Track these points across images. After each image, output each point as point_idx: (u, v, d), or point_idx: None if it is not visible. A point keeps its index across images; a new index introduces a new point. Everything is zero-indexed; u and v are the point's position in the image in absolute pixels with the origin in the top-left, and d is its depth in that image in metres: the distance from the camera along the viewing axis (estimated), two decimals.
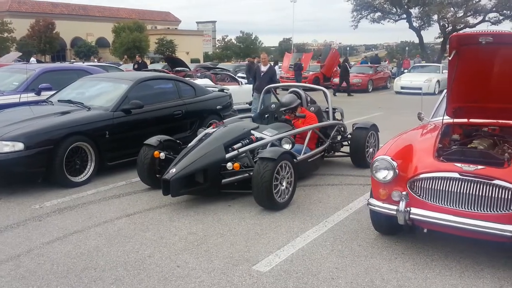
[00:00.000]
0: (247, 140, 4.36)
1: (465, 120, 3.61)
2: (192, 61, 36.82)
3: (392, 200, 2.96)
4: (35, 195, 4.36)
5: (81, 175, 4.70)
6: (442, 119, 3.52)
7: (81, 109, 5.05)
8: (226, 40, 62.81)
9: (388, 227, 3.26)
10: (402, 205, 2.87)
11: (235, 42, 59.80)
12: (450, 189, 2.78)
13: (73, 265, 2.88)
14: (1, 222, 3.66)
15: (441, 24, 28.37)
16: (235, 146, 4.22)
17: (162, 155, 4.34)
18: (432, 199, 2.85)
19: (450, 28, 27.71)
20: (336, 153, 5.55)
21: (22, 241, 3.26)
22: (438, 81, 16.09)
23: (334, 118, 5.58)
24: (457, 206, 2.77)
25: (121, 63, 21.77)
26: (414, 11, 28.48)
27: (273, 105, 5.69)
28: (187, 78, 8.12)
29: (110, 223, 3.63)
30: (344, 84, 16.55)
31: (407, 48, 66.32)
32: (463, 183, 2.75)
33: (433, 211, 2.81)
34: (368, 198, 3.21)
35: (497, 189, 2.68)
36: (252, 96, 9.51)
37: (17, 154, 4.20)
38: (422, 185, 2.89)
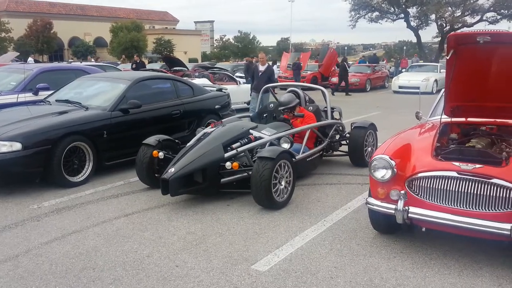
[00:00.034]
0: (246, 140, 4.36)
1: (463, 119, 3.62)
2: (190, 60, 36.78)
3: (391, 199, 2.97)
4: (33, 195, 4.34)
5: (79, 175, 4.68)
6: (440, 118, 3.52)
7: (79, 109, 5.03)
8: (224, 39, 62.79)
9: (386, 226, 3.26)
10: (400, 204, 2.87)
11: (233, 42, 59.78)
12: (448, 188, 2.79)
13: (72, 265, 2.87)
14: None
15: (439, 23, 28.46)
16: (233, 146, 4.22)
17: (161, 154, 4.33)
18: (430, 198, 2.86)
19: (448, 27, 27.81)
20: (335, 152, 5.56)
21: (20, 241, 3.24)
22: (436, 80, 16.13)
23: (332, 118, 5.57)
24: (455, 205, 2.77)
25: (119, 62, 21.71)
26: (412, 10, 28.60)
27: (272, 105, 5.69)
28: (185, 78, 8.10)
29: (109, 223, 3.62)
30: (342, 83, 16.56)
31: (405, 47, 66.40)
32: (461, 182, 2.76)
33: (432, 210, 2.82)
34: (366, 197, 3.21)
35: (495, 187, 2.68)
36: (250, 95, 9.51)
37: (15, 154, 4.18)
38: (420, 184, 2.89)
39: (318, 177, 5.02)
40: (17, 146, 4.20)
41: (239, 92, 10.70)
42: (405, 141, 3.31)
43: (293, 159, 4.14)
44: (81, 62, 17.16)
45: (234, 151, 4.14)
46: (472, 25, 27.28)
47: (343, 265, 2.88)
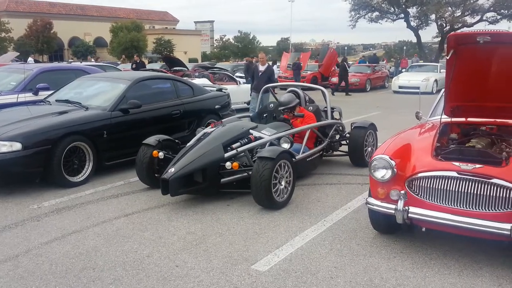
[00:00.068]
0: (246, 140, 4.35)
1: (463, 119, 3.61)
2: (190, 60, 36.76)
3: (391, 199, 2.96)
4: (33, 195, 4.34)
5: (79, 175, 4.68)
6: (440, 118, 3.51)
7: (79, 109, 5.02)
8: (224, 39, 62.76)
9: (386, 226, 3.26)
10: (400, 204, 2.86)
11: (233, 42, 59.75)
12: (448, 188, 2.78)
13: (72, 265, 2.87)
14: None
15: (439, 23, 28.41)
16: (233, 146, 4.21)
17: (161, 154, 4.33)
18: (430, 198, 2.85)
19: (448, 27, 27.76)
20: (335, 152, 5.55)
21: (20, 241, 3.24)
22: (436, 80, 16.10)
23: (332, 118, 5.56)
24: (455, 205, 2.77)
25: (119, 62, 21.70)
26: (412, 10, 28.55)
27: (272, 105, 5.68)
28: (185, 78, 8.09)
29: (109, 223, 3.62)
30: (342, 83, 16.54)
31: (405, 47, 66.17)
32: (461, 182, 2.75)
33: (432, 210, 2.81)
34: (366, 197, 3.21)
35: (495, 188, 2.68)
36: (250, 95, 9.50)
37: (15, 154, 4.18)
38: (420, 184, 2.89)
39: (318, 177, 5.02)
40: (17, 146, 4.20)
41: (239, 92, 10.69)
42: (405, 141, 3.30)
43: (293, 159, 4.13)
44: (81, 62, 17.16)
45: (234, 151, 4.13)
46: (472, 25, 27.24)
47: (343, 265, 2.88)
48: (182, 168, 3.84)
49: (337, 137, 5.56)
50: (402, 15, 28.70)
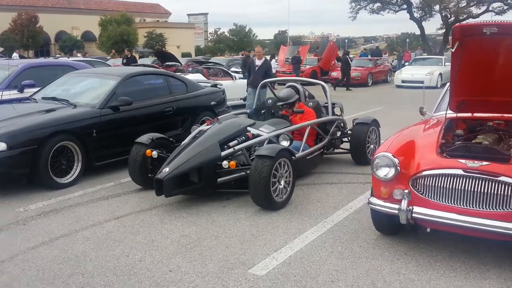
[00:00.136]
0: (243, 137, 4.28)
1: (469, 114, 3.58)
2: (183, 55, 36.49)
3: (394, 199, 2.91)
4: (19, 197, 4.25)
5: (67, 176, 4.59)
6: (445, 114, 3.49)
7: (66, 106, 4.93)
8: (218, 33, 62.39)
9: (389, 226, 3.21)
10: (404, 204, 2.81)
11: (228, 35, 59.44)
12: (454, 187, 2.74)
13: (60, 270, 2.81)
14: None
15: (443, 14, 28.30)
16: (231, 144, 4.15)
17: (155, 153, 4.26)
18: (435, 197, 2.81)
19: (452, 18, 27.65)
20: (336, 150, 5.49)
21: (5, 246, 3.17)
22: (440, 74, 15.89)
23: (333, 114, 5.50)
24: (461, 204, 2.72)
25: (108, 57, 21.41)
26: (415, 1, 28.42)
27: (270, 101, 5.60)
28: (178, 73, 8.00)
29: (99, 226, 3.55)
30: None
31: (407, 40, 65.37)
32: (467, 180, 2.71)
33: (437, 210, 2.77)
34: (368, 197, 3.16)
35: (502, 186, 2.62)
36: (247, 91, 9.38)
37: None
38: (425, 183, 2.84)
39: (318, 176, 4.96)
40: (2, 146, 4.11)
41: (235, 87, 10.60)
42: (409, 137, 3.25)
43: (293, 157, 4.05)
44: (68, 58, 16.88)
45: (231, 150, 4.07)
46: (477, 16, 27.19)
47: (345, 268, 2.83)
48: (177, 168, 3.78)
49: (338, 134, 5.51)
50: (405, 6, 28.55)
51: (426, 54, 25.44)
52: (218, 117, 4.98)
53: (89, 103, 4.99)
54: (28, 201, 4.14)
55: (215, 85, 7.06)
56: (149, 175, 4.27)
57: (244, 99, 10.09)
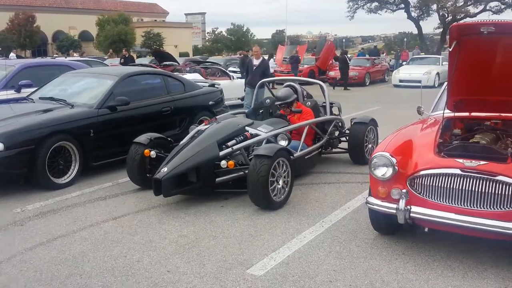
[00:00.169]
0: (242, 137, 4.27)
1: (466, 113, 3.56)
2: (181, 54, 36.46)
3: (392, 198, 2.90)
4: (16, 198, 4.23)
5: (65, 176, 4.57)
6: (443, 113, 3.46)
7: (64, 106, 4.91)
8: (216, 32, 62.26)
9: (387, 226, 3.20)
10: (402, 204, 2.81)
11: (225, 35, 59.33)
12: (451, 186, 2.73)
13: (58, 271, 2.78)
14: None
15: (441, 14, 28.21)
16: (229, 143, 4.13)
17: (153, 153, 4.24)
18: (433, 197, 2.80)
19: (450, 18, 27.56)
20: (334, 150, 5.48)
21: (3, 247, 3.13)
22: (438, 73, 15.85)
23: (331, 113, 5.49)
24: (459, 203, 2.71)
25: (106, 57, 21.30)
26: (413, 0, 28.29)
27: (268, 100, 5.59)
28: (175, 73, 7.98)
29: (96, 226, 3.53)
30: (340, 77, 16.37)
31: (405, 39, 65.15)
32: (465, 180, 2.70)
33: (434, 209, 2.76)
34: (366, 197, 3.16)
35: (500, 185, 2.62)
36: (245, 91, 9.36)
37: None
38: (423, 182, 2.83)
39: (316, 176, 4.95)
40: None
41: (233, 87, 10.57)
42: (407, 137, 3.24)
43: (291, 157, 4.04)
44: (65, 57, 16.80)
45: (229, 149, 4.06)
46: (475, 15, 27.08)
47: (343, 268, 2.82)
48: (175, 168, 3.76)
49: (337, 133, 5.49)
50: (402, 5, 28.44)
51: (423, 53, 25.39)
52: (216, 117, 4.96)
53: (86, 103, 4.97)
54: (26, 201, 4.12)
55: (212, 85, 7.03)
56: (148, 175, 4.26)
57: (242, 99, 10.07)
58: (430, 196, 2.79)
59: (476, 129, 3.52)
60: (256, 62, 8.78)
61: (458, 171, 2.70)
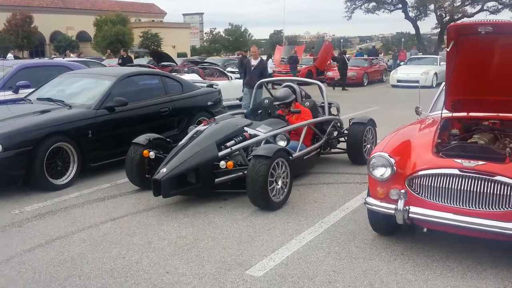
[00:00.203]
0: (240, 137, 4.27)
1: (464, 114, 3.56)
2: (179, 55, 36.31)
3: (390, 199, 2.90)
4: (15, 199, 4.22)
5: (63, 177, 4.55)
6: (441, 113, 3.45)
7: (62, 107, 4.89)
8: (214, 33, 62.14)
9: (386, 227, 3.20)
10: (400, 204, 2.81)
11: (223, 35, 59.22)
12: (450, 186, 2.73)
13: (56, 273, 2.78)
14: None
15: (438, 14, 28.26)
16: (228, 144, 4.13)
17: (152, 154, 4.23)
18: (431, 197, 2.80)
19: (447, 18, 27.61)
20: (333, 150, 5.47)
21: (1, 249, 3.12)
22: (435, 73, 15.88)
23: (330, 113, 5.49)
24: (457, 204, 2.71)
25: (103, 58, 21.20)
26: (410, 0, 28.32)
27: (266, 100, 5.58)
28: (173, 74, 7.96)
29: (95, 228, 3.52)
30: (339, 77, 16.34)
31: (403, 39, 64.86)
32: (463, 180, 2.70)
33: (433, 210, 2.76)
34: (365, 197, 3.15)
35: (498, 185, 2.62)
36: (243, 91, 9.34)
37: None
38: (421, 183, 2.83)
39: (314, 176, 4.94)
40: None
41: (231, 88, 10.56)
42: (405, 137, 3.25)
43: (290, 157, 4.04)
44: (63, 58, 16.72)
45: (228, 150, 4.05)
46: (472, 15, 27.11)
47: (342, 268, 2.82)
48: (174, 168, 3.76)
49: (335, 133, 5.48)
50: (400, 6, 28.47)
51: (421, 53, 25.41)
52: (215, 117, 4.95)
53: (84, 104, 4.95)
54: (24, 203, 4.10)
55: (211, 85, 7.00)
56: (147, 175, 4.25)
57: (240, 99, 10.06)
58: (428, 196, 2.79)
59: (474, 129, 3.53)
60: (254, 62, 8.76)
61: (456, 171, 2.70)
